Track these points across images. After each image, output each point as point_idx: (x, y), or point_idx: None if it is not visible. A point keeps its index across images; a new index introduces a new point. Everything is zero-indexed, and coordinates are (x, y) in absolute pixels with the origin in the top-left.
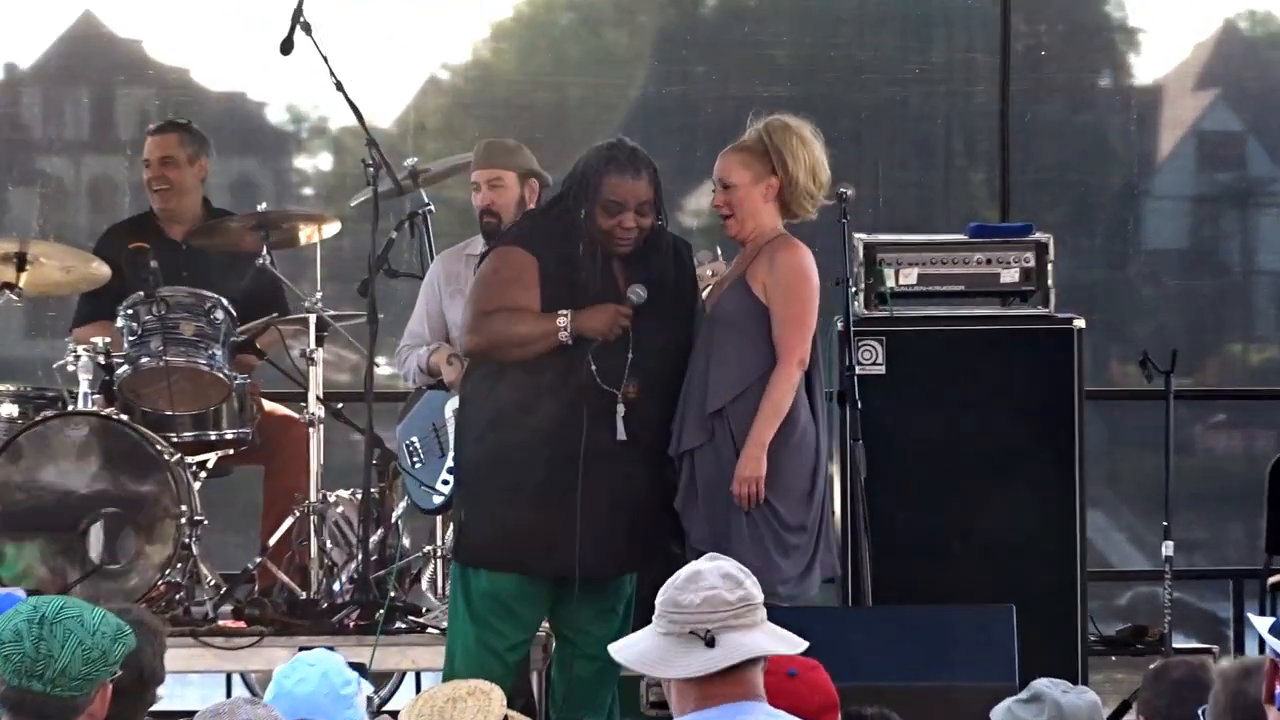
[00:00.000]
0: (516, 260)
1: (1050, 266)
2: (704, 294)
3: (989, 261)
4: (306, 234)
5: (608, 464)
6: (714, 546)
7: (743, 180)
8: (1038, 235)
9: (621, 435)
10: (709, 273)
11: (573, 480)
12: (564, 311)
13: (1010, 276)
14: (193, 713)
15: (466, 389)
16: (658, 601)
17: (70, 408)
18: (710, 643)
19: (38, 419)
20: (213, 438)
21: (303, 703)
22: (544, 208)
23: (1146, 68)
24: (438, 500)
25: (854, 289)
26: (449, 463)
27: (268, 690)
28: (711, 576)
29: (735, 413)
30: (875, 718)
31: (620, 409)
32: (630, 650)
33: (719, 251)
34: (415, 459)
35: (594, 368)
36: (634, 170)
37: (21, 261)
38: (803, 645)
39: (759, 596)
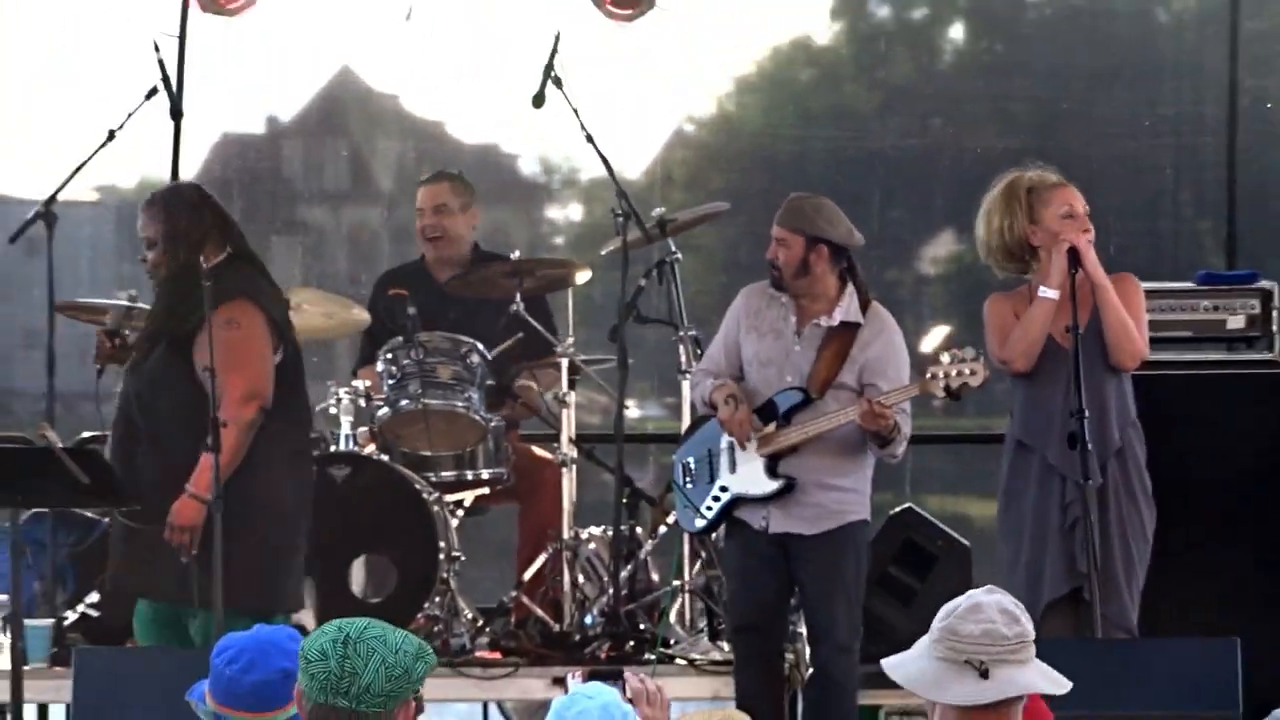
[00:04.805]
0: None
1: (1275, 313)
2: (939, 383)
3: (1216, 308)
4: (558, 281)
5: None
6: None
7: None
8: (1263, 283)
9: None
10: (956, 373)
11: None
12: None
13: (1236, 323)
14: None
15: None
16: (936, 625)
17: (332, 449)
18: (984, 674)
19: None
20: (470, 478)
21: None
22: None
23: None
24: (700, 523)
25: (1082, 334)
26: (715, 490)
27: None
28: (991, 610)
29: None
30: None
31: None
32: (903, 670)
33: (976, 355)
34: (688, 478)
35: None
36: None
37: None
38: (1068, 686)
39: (1032, 634)
